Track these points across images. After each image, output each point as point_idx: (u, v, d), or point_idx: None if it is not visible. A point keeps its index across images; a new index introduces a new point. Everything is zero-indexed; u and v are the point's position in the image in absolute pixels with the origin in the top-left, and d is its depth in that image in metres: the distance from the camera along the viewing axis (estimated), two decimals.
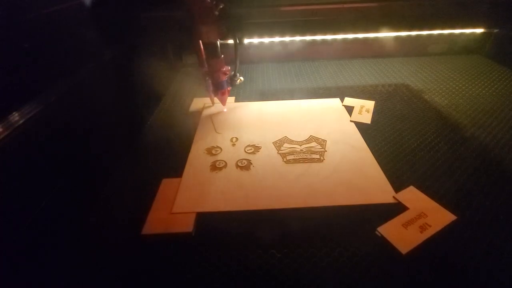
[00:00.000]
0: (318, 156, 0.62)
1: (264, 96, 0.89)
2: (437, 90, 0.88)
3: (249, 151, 0.65)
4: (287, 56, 1.09)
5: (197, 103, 0.85)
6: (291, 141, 0.68)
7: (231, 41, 0.70)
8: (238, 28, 0.65)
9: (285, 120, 0.76)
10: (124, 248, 0.47)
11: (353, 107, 0.79)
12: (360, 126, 0.72)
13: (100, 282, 0.43)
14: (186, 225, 0.48)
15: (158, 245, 0.46)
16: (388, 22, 0.79)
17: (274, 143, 0.67)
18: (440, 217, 0.48)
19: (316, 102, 0.83)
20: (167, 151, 0.67)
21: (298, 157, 0.63)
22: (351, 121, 0.74)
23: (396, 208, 0.50)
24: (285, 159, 0.62)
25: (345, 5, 0.78)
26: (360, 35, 1.02)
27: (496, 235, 0.46)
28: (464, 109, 0.79)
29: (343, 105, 0.81)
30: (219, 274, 0.42)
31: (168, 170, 0.61)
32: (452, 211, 0.49)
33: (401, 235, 0.45)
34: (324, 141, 0.67)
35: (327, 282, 0.41)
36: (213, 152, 0.65)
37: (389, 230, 0.46)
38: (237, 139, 0.69)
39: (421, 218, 0.48)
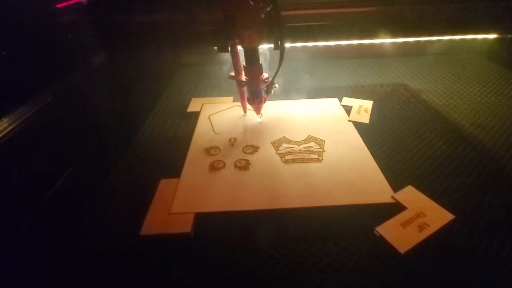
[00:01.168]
0: (316, 156, 0.62)
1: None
2: (435, 90, 0.89)
3: (247, 151, 0.65)
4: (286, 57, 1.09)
5: (196, 103, 0.85)
6: (289, 141, 0.68)
7: (264, 46, 0.64)
8: (283, 32, 0.58)
9: (284, 120, 0.76)
10: (122, 249, 0.46)
11: (352, 107, 0.79)
12: (358, 126, 0.72)
13: (98, 283, 0.43)
14: (185, 226, 0.48)
15: (157, 246, 0.46)
16: (397, 27, 0.73)
17: (273, 143, 0.67)
18: (438, 216, 0.48)
19: (315, 102, 0.83)
20: (165, 151, 0.67)
21: (296, 157, 0.63)
22: (349, 121, 0.74)
23: (395, 208, 0.50)
24: (283, 159, 0.62)
25: (351, 10, 0.72)
26: (366, 41, 0.96)
27: (494, 234, 0.46)
28: (462, 109, 0.79)
29: (341, 105, 0.81)
30: (217, 275, 0.42)
31: (166, 171, 0.60)
32: (451, 210, 0.49)
33: (399, 234, 0.45)
34: (323, 141, 0.67)
35: (326, 282, 0.41)
36: (212, 152, 0.65)
37: (388, 230, 0.46)
38: (235, 139, 0.69)
39: (419, 217, 0.48)
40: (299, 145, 0.66)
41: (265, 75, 0.68)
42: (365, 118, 0.75)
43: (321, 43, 1.00)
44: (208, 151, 0.65)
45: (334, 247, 0.45)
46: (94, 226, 0.50)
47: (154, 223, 0.49)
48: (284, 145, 0.66)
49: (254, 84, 0.67)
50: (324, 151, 0.64)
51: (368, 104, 0.80)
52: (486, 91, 0.87)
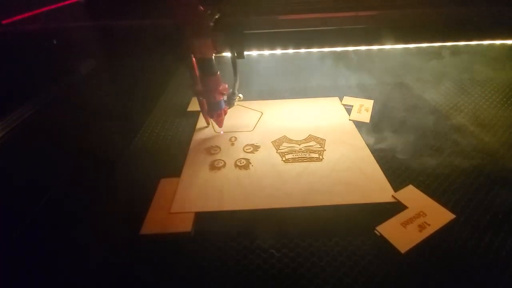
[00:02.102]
0: (317, 155, 0.62)
1: (263, 95, 0.88)
2: (436, 89, 0.88)
3: (248, 151, 0.65)
4: (285, 56, 1.09)
5: (196, 102, 0.85)
6: (290, 140, 0.67)
7: (227, 54, 0.61)
8: (237, 40, 0.56)
9: (284, 119, 0.76)
10: (122, 248, 0.46)
11: (352, 106, 0.79)
12: (359, 125, 0.72)
13: (98, 282, 0.43)
14: (185, 225, 0.48)
15: (157, 245, 0.46)
16: (409, 32, 0.66)
17: (273, 142, 0.67)
18: (439, 216, 0.48)
19: (315, 101, 0.83)
20: (166, 150, 0.67)
21: (297, 156, 0.62)
22: (350, 120, 0.74)
23: (395, 207, 0.50)
24: (284, 158, 0.62)
25: (360, 13, 0.65)
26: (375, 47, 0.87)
27: (495, 234, 0.46)
28: (463, 108, 0.78)
29: (342, 104, 0.81)
30: (218, 274, 0.42)
31: (167, 170, 0.60)
32: (451, 209, 0.49)
33: (400, 234, 0.45)
34: (323, 140, 0.67)
35: (326, 281, 0.41)
36: (212, 151, 0.65)
37: (388, 229, 0.46)
38: (236, 138, 0.69)
39: (420, 217, 0.47)
40: (299, 144, 0.66)
41: (224, 86, 0.63)
42: (365, 117, 0.74)
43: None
44: (209, 150, 0.65)
45: (335, 247, 0.45)
46: (94, 225, 0.50)
47: (154, 222, 0.49)
48: (285, 144, 0.66)
49: (211, 96, 0.63)
50: (325, 150, 0.64)
51: (369, 103, 0.80)
52: (487, 90, 0.87)
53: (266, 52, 0.87)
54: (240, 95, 0.66)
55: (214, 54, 0.58)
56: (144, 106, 0.83)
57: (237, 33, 0.55)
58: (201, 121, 0.76)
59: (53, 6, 0.60)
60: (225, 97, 0.65)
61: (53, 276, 0.43)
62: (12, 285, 0.41)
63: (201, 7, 0.52)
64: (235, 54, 0.57)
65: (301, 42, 0.68)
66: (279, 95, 0.87)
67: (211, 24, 0.55)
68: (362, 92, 0.87)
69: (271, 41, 0.67)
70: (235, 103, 0.67)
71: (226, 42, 0.57)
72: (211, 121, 0.75)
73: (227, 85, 0.64)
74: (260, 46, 0.70)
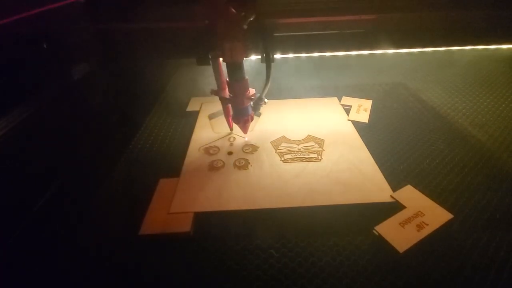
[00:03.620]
0: (315, 155, 0.63)
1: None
2: (434, 89, 0.89)
3: (246, 151, 0.65)
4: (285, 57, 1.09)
5: (195, 102, 0.85)
6: (288, 140, 0.68)
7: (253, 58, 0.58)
8: (270, 43, 0.52)
9: (283, 119, 0.76)
10: (121, 248, 0.47)
11: (351, 106, 0.80)
12: (357, 125, 0.72)
13: (97, 282, 0.43)
14: (184, 225, 0.48)
15: (156, 245, 0.46)
16: (417, 35, 0.64)
17: (272, 142, 0.67)
18: (437, 215, 0.48)
19: (314, 101, 0.83)
20: (165, 151, 0.67)
21: (295, 156, 0.63)
22: (348, 120, 0.74)
23: (394, 207, 0.50)
24: (282, 158, 0.62)
25: (364, 17, 0.63)
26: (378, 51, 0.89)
27: (492, 233, 0.46)
28: (461, 108, 0.79)
29: (340, 104, 0.81)
30: (217, 274, 0.42)
31: (166, 170, 0.60)
32: (449, 209, 0.49)
33: (398, 234, 0.45)
34: (322, 140, 0.67)
35: (325, 281, 0.41)
36: (211, 152, 0.65)
37: (387, 229, 0.46)
38: (234, 138, 0.69)
39: (418, 216, 0.48)
40: (298, 145, 0.66)
41: (251, 91, 0.61)
42: (364, 118, 0.75)
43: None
44: (208, 150, 0.65)
45: (334, 246, 0.45)
46: (93, 225, 0.50)
47: (153, 222, 0.49)
48: (284, 144, 0.66)
49: (239, 101, 0.60)
50: (323, 150, 0.64)
51: (367, 103, 0.81)
52: (485, 90, 0.87)
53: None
54: (266, 100, 0.62)
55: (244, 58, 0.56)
56: (143, 106, 0.83)
57: (269, 37, 0.53)
58: (201, 121, 0.76)
59: (44, 8, 0.57)
60: (251, 103, 0.62)
61: (52, 276, 0.43)
62: (12, 285, 0.41)
63: (233, 9, 0.49)
64: (269, 59, 0.54)
65: (327, 45, 0.67)
66: (279, 95, 0.87)
67: (245, 27, 0.52)
68: (361, 92, 0.87)
69: (299, 45, 0.65)
70: (261, 107, 0.64)
71: (261, 46, 0.54)
72: (210, 122, 0.75)
73: (254, 90, 0.61)
74: (286, 50, 0.68)
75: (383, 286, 0.40)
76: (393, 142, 0.66)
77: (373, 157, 0.61)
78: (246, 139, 0.68)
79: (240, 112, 0.62)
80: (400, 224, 0.47)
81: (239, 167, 0.60)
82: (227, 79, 0.58)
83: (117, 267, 0.44)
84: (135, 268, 0.44)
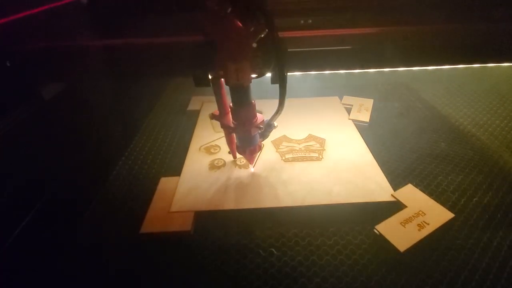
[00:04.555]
0: (316, 155, 0.62)
1: (262, 94, 0.88)
2: (435, 89, 0.88)
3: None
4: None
5: (196, 101, 0.85)
6: (289, 140, 0.68)
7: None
8: (284, 62, 0.42)
9: (284, 118, 0.75)
10: (122, 247, 0.47)
11: (352, 105, 0.79)
12: (358, 124, 0.72)
13: (98, 281, 0.43)
14: (185, 224, 0.48)
15: (157, 244, 0.46)
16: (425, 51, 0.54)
17: (273, 141, 0.67)
18: (438, 215, 0.48)
19: (315, 101, 0.83)
20: (165, 150, 0.67)
21: (296, 155, 0.63)
22: (349, 119, 0.74)
23: (394, 206, 0.50)
24: (283, 158, 0.62)
25: (386, 28, 0.54)
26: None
27: (493, 233, 0.46)
28: (462, 107, 0.79)
29: (341, 103, 0.81)
30: (217, 273, 0.42)
31: (166, 169, 0.61)
32: (450, 209, 0.49)
33: (399, 233, 0.45)
34: (323, 139, 0.67)
35: (325, 280, 0.41)
36: (212, 151, 0.65)
37: (387, 228, 0.46)
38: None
39: (419, 216, 0.48)
40: (299, 144, 0.66)
41: (260, 117, 0.52)
42: (365, 117, 0.75)
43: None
44: (209, 149, 0.65)
45: (334, 245, 0.45)
46: (94, 224, 0.51)
47: (154, 221, 0.49)
48: (284, 143, 0.66)
49: (245, 130, 0.51)
50: (324, 149, 0.64)
51: (368, 102, 0.80)
52: (486, 89, 0.87)
53: None
54: (276, 124, 0.54)
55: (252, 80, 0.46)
56: (144, 105, 0.84)
57: (284, 55, 0.42)
58: (202, 120, 0.76)
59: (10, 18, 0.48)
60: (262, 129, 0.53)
61: (53, 275, 0.43)
62: (13, 285, 0.41)
63: (239, 23, 0.40)
64: (284, 80, 0.44)
65: (310, 64, 0.56)
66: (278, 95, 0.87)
67: (254, 45, 0.42)
68: (362, 91, 0.87)
69: (314, 62, 0.54)
70: (269, 134, 0.55)
71: (272, 65, 0.43)
72: (211, 121, 0.72)
73: (263, 116, 0.53)
74: (303, 67, 0.57)
75: (384, 285, 0.40)
76: (394, 141, 0.66)
77: (374, 156, 0.61)
78: (252, 170, 0.60)
79: (246, 141, 0.53)
80: (401, 223, 0.47)
81: (240, 166, 0.60)
82: (231, 104, 0.49)
83: (118, 266, 0.44)
84: (136, 267, 0.44)
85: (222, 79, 0.47)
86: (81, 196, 0.54)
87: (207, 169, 0.60)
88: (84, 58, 0.54)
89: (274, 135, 0.69)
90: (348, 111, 0.77)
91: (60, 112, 0.55)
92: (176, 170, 0.60)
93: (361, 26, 0.54)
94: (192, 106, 0.83)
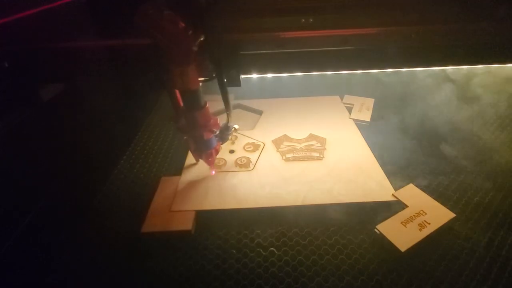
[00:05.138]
0: (317, 154, 0.62)
1: (263, 93, 0.88)
2: (437, 88, 0.88)
3: (248, 149, 0.65)
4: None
5: None
6: (290, 139, 0.67)
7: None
8: (233, 64, 0.44)
9: (284, 118, 0.76)
10: (123, 246, 0.47)
11: (353, 105, 0.79)
12: (359, 123, 0.72)
13: (99, 280, 0.43)
14: (186, 223, 0.48)
15: (158, 243, 0.46)
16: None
17: (274, 141, 0.67)
18: (439, 214, 0.48)
19: (316, 100, 0.83)
20: (166, 149, 0.67)
21: (297, 155, 0.63)
22: (350, 118, 0.74)
23: (395, 206, 0.50)
24: (284, 157, 0.62)
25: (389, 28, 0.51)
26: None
27: (494, 233, 0.46)
28: (463, 107, 0.78)
29: (342, 102, 0.81)
30: (218, 272, 0.42)
31: (167, 168, 0.61)
32: (451, 209, 0.49)
33: (400, 232, 0.45)
34: (324, 139, 0.67)
35: (326, 279, 0.41)
36: None
37: (388, 228, 0.46)
38: (236, 137, 0.69)
39: (420, 216, 0.48)
40: (300, 143, 0.66)
41: (214, 120, 0.51)
42: (366, 116, 0.74)
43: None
44: None
45: (335, 245, 0.45)
46: (95, 223, 0.51)
47: (155, 220, 0.49)
48: (285, 143, 0.66)
49: (199, 134, 0.50)
50: (325, 149, 0.64)
51: (369, 102, 0.80)
52: (489, 89, 0.87)
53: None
54: (236, 125, 0.54)
55: (200, 84, 0.46)
56: (145, 104, 0.84)
57: (231, 56, 0.43)
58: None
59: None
60: (216, 132, 0.52)
61: (53, 274, 0.43)
62: (14, 284, 0.41)
63: (182, 24, 0.38)
64: (224, 81, 0.45)
65: (312, 64, 0.54)
66: (280, 94, 0.87)
67: (195, 48, 0.41)
68: (363, 91, 0.87)
69: (276, 63, 0.52)
70: (230, 136, 0.55)
71: (217, 68, 0.44)
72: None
73: (218, 119, 0.52)
74: (262, 70, 0.54)
75: (385, 284, 0.40)
76: (395, 141, 0.66)
77: (375, 155, 0.61)
78: (213, 173, 0.58)
79: (202, 145, 0.52)
80: (402, 223, 0.47)
81: (241, 165, 0.60)
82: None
83: (120, 264, 0.44)
84: (137, 265, 0.44)
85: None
86: (82, 195, 0.54)
87: (208, 169, 0.60)
88: (84, 58, 0.53)
89: (275, 134, 0.69)
90: (349, 110, 0.77)
91: (60, 112, 0.55)
92: (177, 169, 0.60)
93: (363, 26, 0.52)
94: None
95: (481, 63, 0.61)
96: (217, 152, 0.56)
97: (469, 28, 0.53)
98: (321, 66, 0.56)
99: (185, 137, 0.53)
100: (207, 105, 0.49)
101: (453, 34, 0.53)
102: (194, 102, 0.47)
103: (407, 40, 0.53)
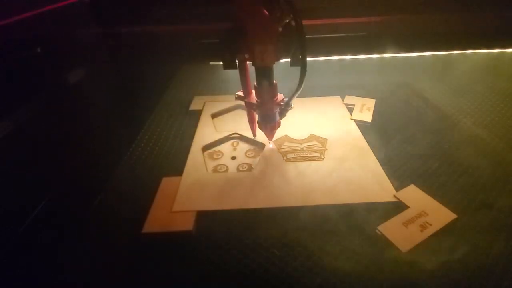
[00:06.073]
0: (318, 155, 0.62)
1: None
2: (438, 89, 0.88)
3: (250, 156, 0.64)
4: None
5: (198, 101, 0.85)
6: (291, 140, 0.67)
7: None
8: (305, 46, 0.47)
9: (285, 118, 0.75)
10: (124, 246, 0.47)
11: (354, 105, 0.79)
12: (360, 124, 0.72)
13: (100, 280, 0.43)
14: (187, 224, 0.48)
15: (159, 244, 0.46)
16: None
17: (274, 141, 0.67)
18: (440, 216, 0.48)
19: (317, 100, 0.83)
20: (167, 149, 0.67)
21: (298, 155, 0.62)
22: (351, 119, 0.74)
23: (397, 207, 0.50)
24: (285, 158, 0.62)
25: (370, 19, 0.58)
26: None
27: (497, 234, 0.46)
28: (465, 108, 0.78)
29: (344, 103, 0.81)
30: (219, 273, 0.42)
31: (168, 169, 0.61)
32: (453, 210, 0.49)
33: (401, 233, 0.45)
34: (325, 139, 0.67)
35: (327, 280, 0.41)
36: (215, 156, 0.65)
37: (390, 229, 0.46)
38: (238, 143, 0.68)
39: (421, 216, 0.47)
40: (301, 144, 0.66)
41: (280, 96, 0.57)
42: (367, 117, 0.74)
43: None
44: (212, 155, 0.65)
45: (336, 246, 0.45)
46: (96, 224, 0.51)
47: (156, 221, 0.49)
48: (286, 143, 0.66)
49: (267, 107, 0.57)
50: (326, 149, 0.64)
51: (371, 102, 0.80)
52: (490, 89, 0.86)
53: None
54: (292, 105, 0.59)
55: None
56: (146, 104, 0.84)
57: (305, 39, 0.46)
58: (203, 120, 0.76)
59: (41, 9, 0.52)
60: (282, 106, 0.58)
61: (54, 274, 0.43)
62: (13, 284, 0.41)
63: (266, 11, 0.45)
64: (304, 62, 0.49)
65: (332, 49, 0.64)
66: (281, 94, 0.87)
67: (280, 29, 0.48)
68: (364, 91, 0.87)
69: (331, 47, 0.60)
70: (286, 113, 0.60)
71: (293, 49, 0.49)
72: (213, 121, 0.74)
73: (283, 96, 0.58)
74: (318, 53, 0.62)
75: (386, 286, 0.40)
76: (397, 141, 0.66)
77: (376, 156, 0.61)
78: (271, 145, 0.66)
79: (267, 118, 0.59)
80: (403, 224, 0.46)
81: (243, 172, 0.60)
82: (255, 84, 0.55)
83: (120, 265, 0.44)
84: (138, 266, 0.44)
85: (248, 62, 0.54)
86: (83, 196, 0.55)
87: (209, 169, 0.60)
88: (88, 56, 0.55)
89: (276, 135, 0.68)
90: (350, 111, 0.77)
91: (61, 111, 0.55)
92: (178, 170, 0.60)
93: (366, 14, 0.56)
94: (194, 106, 0.83)
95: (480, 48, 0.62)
96: (279, 125, 0.61)
97: (469, 16, 0.55)
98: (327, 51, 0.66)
99: (250, 110, 0.61)
100: (275, 82, 0.56)
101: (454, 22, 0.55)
102: (267, 78, 0.54)
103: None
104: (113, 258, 0.45)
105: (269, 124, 0.60)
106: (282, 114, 0.59)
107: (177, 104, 0.85)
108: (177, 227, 0.48)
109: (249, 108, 0.60)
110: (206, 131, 0.72)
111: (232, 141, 0.69)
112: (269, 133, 0.62)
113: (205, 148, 0.66)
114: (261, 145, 0.66)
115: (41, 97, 0.52)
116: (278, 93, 0.57)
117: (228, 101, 0.84)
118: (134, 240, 0.47)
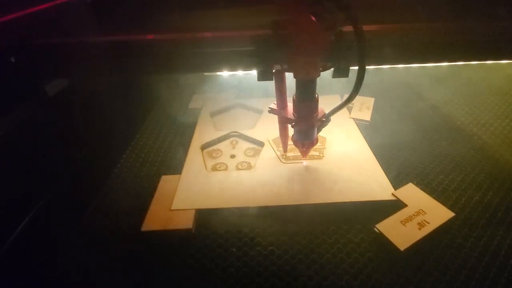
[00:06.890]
0: (317, 153, 0.63)
1: (264, 93, 0.88)
2: (437, 88, 0.88)
3: (249, 154, 0.64)
4: None
5: (197, 99, 0.85)
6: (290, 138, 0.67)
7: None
8: (365, 57, 0.41)
9: None
10: (124, 245, 0.47)
11: (353, 104, 0.79)
12: (359, 123, 0.72)
13: (100, 279, 0.43)
14: (186, 222, 0.48)
15: (158, 242, 0.47)
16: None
17: (274, 140, 0.67)
18: (438, 214, 0.48)
19: None
20: (166, 147, 0.67)
21: (297, 154, 0.62)
22: (350, 118, 0.74)
23: (395, 205, 0.50)
24: (284, 156, 0.62)
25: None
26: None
27: (494, 232, 0.46)
28: (463, 106, 0.79)
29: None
30: (218, 271, 0.43)
31: (168, 167, 0.61)
32: (451, 208, 0.49)
33: (399, 232, 0.45)
34: (324, 138, 0.67)
35: (326, 278, 0.41)
36: (214, 155, 0.65)
37: (388, 227, 0.46)
38: (237, 142, 0.68)
39: (419, 215, 0.48)
40: None
41: (321, 110, 0.52)
42: (366, 116, 0.75)
43: None
44: (211, 153, 0.65)
45: (334, 244, 0.45)
46: (96, 222, 0.51)
47: (155, 219, 0.49)
48: None
49: (307, 123, 0.51)
50: (325, 148, 0.64)
51: (369, 101, 0.80)
52: (488, 88, 0.87)
53: None
54: (330, 118, 0.54)
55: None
56: (146, 102, 0.84)
57: (366, 47, 0.40)
58: (202, 119, 0.76)
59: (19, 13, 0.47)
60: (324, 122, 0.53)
61: (54, 273, 0.44)
62: (13, 283, 0.42)
63: (313, 17, 0.38)
64: (362, 73, 0.44)
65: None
66: None
67: (332, 37, 0.41)
68: (363, 90, 0.86)
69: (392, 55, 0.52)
70: (322, 128, 0.55)
71: (360, 58, 0.42)
72: (212, 119, 0.74)
73: (324, 110, 0.52)
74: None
75: (384, 283, 0.40)
76: (395, 140, 0.66)
77: (374, 155, 0.61)
78: (305, 163, 0.60)
79: (305, 135, 0.53)
80: (401, 222, 0.47)
81: (242, 170, 0.60)
82: (294, 97, 0.50)
83: (120, 263, 0.44)
84: (137, 264, 0.44)
85: (285, 73, 0.47)
86: (82, 194, 0.55)
87: (209, 168, 0.60)
88: (88, 55, 0.53)
89: (275, 134, 0.69)
90: (349, 109, 0.77)
91: (61, 110, 0.55)
92: (177, 168, 0.60)
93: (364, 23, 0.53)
94: (193, 104, 0.83)
95: (476, 60, 0.60)
96: (316, 141, 0.55)
97: (464, 25, 0.53)
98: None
99: (285, 126, 0.54)
100: (317, 96, 0.50)
101: (449, 31, 0.53)
102: (308, 92, 0.48)
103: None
104: (112, 256, 0.45)
105: (306, 141, 0.54)
106: (319, 129, 0.54)
107: (177, 102, 0.85)
108: (177, 225, 0.48)
109: (285, 123, 0.54)
110: (205, 130, 0.72)
111: (231, 139, 0.69)
112: (305, 150, 0.56)
113: (204, 146, 0.67)
114: (260, 144, 0.66)
115: (41, 96, 0.52)
116: (319, 108, 0.51)
117: (228, 99, 0.84)
118: (134, 238, 0.47)
